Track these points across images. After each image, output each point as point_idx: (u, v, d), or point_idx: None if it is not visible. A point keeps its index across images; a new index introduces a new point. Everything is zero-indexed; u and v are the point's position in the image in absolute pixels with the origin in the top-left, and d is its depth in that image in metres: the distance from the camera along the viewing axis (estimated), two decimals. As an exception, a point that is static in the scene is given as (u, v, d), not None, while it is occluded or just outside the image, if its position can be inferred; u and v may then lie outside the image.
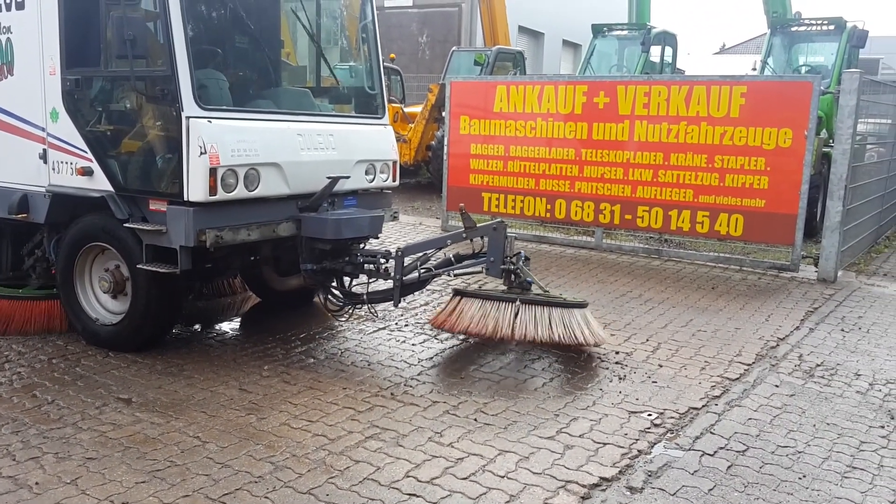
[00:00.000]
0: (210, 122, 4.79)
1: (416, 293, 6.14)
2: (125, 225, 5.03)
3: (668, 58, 15.51)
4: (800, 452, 4.04)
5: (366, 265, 5.52)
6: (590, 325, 5.21)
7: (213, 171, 4.74)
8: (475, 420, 4.31)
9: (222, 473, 3.65)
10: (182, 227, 4.81)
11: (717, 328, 6.20)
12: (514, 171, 9.84)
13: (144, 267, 4.98)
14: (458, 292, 5.45)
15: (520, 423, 4.29)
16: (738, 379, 5.08)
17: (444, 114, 11.01)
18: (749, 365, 5.36)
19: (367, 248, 5.87)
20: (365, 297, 5.67)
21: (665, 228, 8.96)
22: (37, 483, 3.53)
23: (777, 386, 4.97)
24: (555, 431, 4.19)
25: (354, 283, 5.88)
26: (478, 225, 5.49)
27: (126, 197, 5.12)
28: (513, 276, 5.32)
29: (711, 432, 4.22)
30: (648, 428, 4.26)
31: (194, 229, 4.78)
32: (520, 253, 5.39)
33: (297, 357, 5.34)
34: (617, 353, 5.53)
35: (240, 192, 4.94)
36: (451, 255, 5.55)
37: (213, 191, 4.77)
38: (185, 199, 4.79)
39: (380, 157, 6.14)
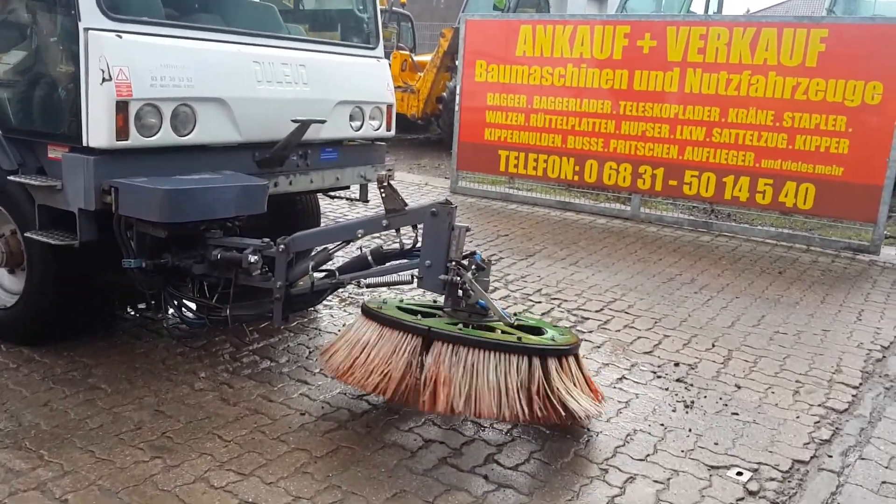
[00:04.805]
0: (119, 36, 3.38)
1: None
2: (9, 178, 3.67)
3: (713, 6, 13.83)
4: (972, 545, 2.68)
5: (230, 263, 3.62)
6: (564, 389, 3.07)
7: (121, 106, 3.34)
8: (485, 478, 2.95)
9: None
10: (81, 183, 3.43)
11: (799, 329, 4.80)
12: (538, 125, 8.36)
13: (33, 236, 3.63)
14: (364, 311, 3.36)
15: (551, 483, 2.93)
16: (847, 410, 3.70)
17: (457, 61, 9.52)
18: (856, 388, 3.97)
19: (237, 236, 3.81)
20: (227, 313, 3.69)
21: (718, 197, 7.50)
22: None
23: (903, 422, 3.59)
24: (605, 501, 2.83)
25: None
26: (409, 206, 3.45)
27: (17, 141, 3.75)
28: (459, 292, 3.29)
29: (835, 507, 2.86)
30: (741, 499, 2.89)
31: (96, 186, 3.41)
32: (473, 254, 3.36)
33: (248, 358, 4.00)
34: (676, 364, 4.14)
35: (165, 136, 3.55)
36: (367, 253, 3.58)
37: (122, 133, 3.38)
38: (85, 143, 3.41)
39: (370, 99, 4.70)
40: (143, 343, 4.14)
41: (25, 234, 3.71)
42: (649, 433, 3.35)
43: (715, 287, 5.62)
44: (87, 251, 3.68)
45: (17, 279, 4.09)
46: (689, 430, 3.39)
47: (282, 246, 3.51)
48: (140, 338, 4.22)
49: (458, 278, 3.23)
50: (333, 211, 7.36)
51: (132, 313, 4.43)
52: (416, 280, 3.41)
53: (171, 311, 3.84)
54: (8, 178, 3.67)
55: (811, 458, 3.21)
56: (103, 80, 3.28)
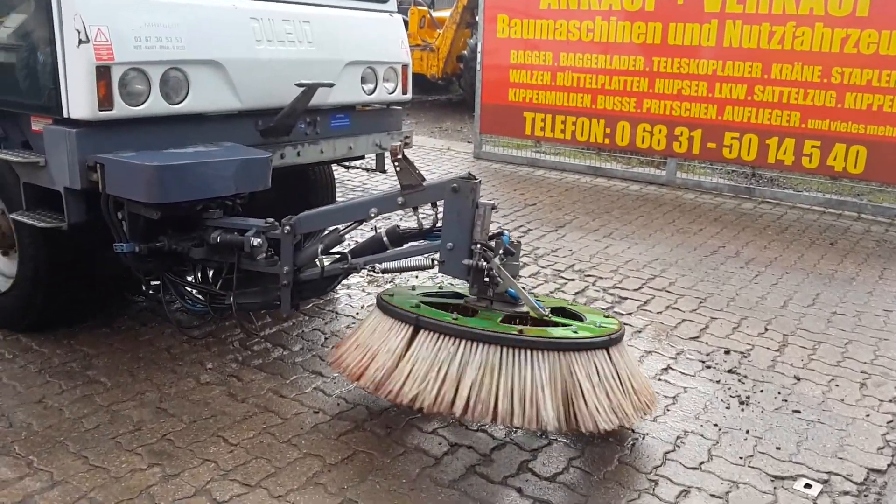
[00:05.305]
0: (99, -10, 3.00)
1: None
2: (-10, 153, 3.34)
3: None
4: None
5: (231, 246, 3.24)
6: (614, 383, 2.72)
7: (102, 72, 2.98)
8: (519, 491, 2.61)
9: None
10: (64, 159, 3.09)
11: (859, 310, 4.37)
12: (565, 84, 7.88)
13: (17, 217, 3.31)
14: (380, 303, 2.98)
15: (594, 498, 2.58)
16: (922, 405, 3.31)
17: (477, 17, 9.03)
18: (929, 378, 3.57)
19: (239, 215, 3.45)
20: (231, 301, 3.32)
21: (760, 161, 7.01)
22: None
23: None
24: (654, 521, 2.49)
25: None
26: (427, 181, 3.04)
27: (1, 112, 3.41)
28: (486, 279, 2.92)
29: (922, 527, 2.50)
30: (814, 517, 2.54)
31: (80, 162, 3.06)
32: (501, 234, 2.97)
33: (259, 347, 3.68)
34: (727, 352, 3.76)
35: (154, 105, 3.19)
36: (382, 233, 3.21)
37: (105, 102, 3.02)
38: (65, 114, 3.06)
39: (383, 59, 4.29)
40: (148, 329, 3.84)
41: (10, 216, 3.39)
42: (702, 435, 2.99)
43: (762, 261, 5.20)
44: (80, 232, 3.36)
45: (11, 262, 3.79)
46: (747, 432, 3.02)
47: (287, 227, 3.15)
48: (146, 323, 3.92)
49: (484, 263, 2.86)
50: (351, 179, 6.99)
51: (148, 292, 4.04)
52: (436, 265, 3.05)
53: (172, 297, 3.50)
54: (-11, 152, 3.35)
55: (888, 466, 2.83)
56: (80, 41, 2.91)
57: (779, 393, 3.36)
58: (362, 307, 4.18)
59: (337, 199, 5.18)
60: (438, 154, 8.75)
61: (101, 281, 3.85)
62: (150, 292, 3.57)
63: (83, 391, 3.21)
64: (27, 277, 3.59)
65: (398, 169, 3.05)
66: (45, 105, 3.13)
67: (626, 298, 4.42)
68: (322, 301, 4.25)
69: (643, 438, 2.95)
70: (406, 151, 3.14)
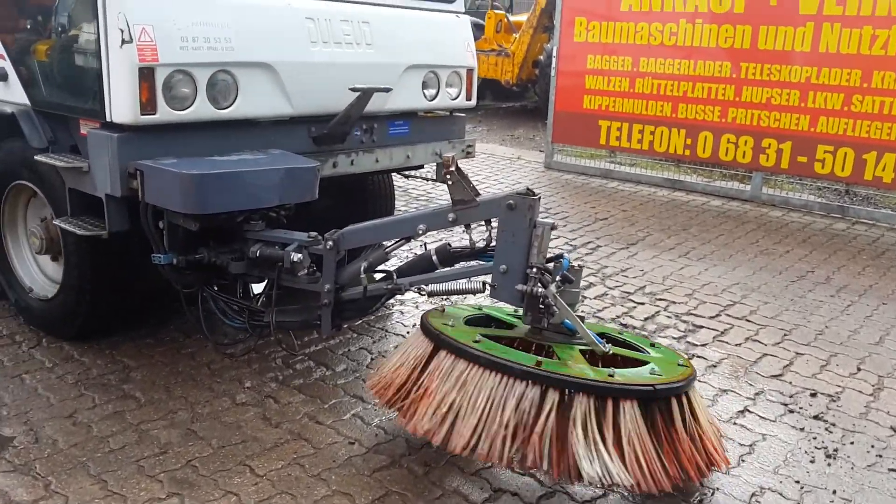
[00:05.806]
0: (143, -12, 2.87)
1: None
2: (36, 157, 3.27)
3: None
4: None
5: (271, 261, 3.05)
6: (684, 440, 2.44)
7: (145, 73, 2.85)
8: (565, 551, 2.33)
9: None
10: (105, 165, 2.98)
11: (969, 349, 3.88)
12: (644, 91, 7.49)
13: (60, 224, 3.23)
14: (426, 329, 2.72)
15: (650, 562, 2.28)
16: None
17: (555, 21, 8.71)
18: None
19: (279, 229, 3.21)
20: (271, 318, 3.12)
21: (856, 177, 6.45)
22: None
23: None
24: None
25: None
26: (481, 196, 2.81)
27: (50, 115, 3.35)
28: (541, 307, 2.64)
29: None
30: None
31: (121, 168, 2.94)
32: (560, 258, 2.69)
33: (301, 365, 3.50)
34: (813, 394, 3.35)
35: (200, 109, 3.05)
36: (432, 252, 2.97)
37: (148, 106, 2.89)
38: (108, 118, 2.95)
39: (446, 63, 4.07)
40: (191, 342, 3.72)
41: (53, 221, 3.33)
42: (781, 494, 2.63)
43: (855, 289, 4.71)
44: (123, 241, 3.26)
45: (59, 268, 3.75)
46: (834, 492, 2.65)
47: (329, 242, 2.95)
48: (190, 335, 3.80)
49: (540, 289, 2.58)
50: (416, 188, 6.80)
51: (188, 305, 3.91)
52: (488, 288, 2.79)
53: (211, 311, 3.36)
54: (35, 157, 3.28)
55: None
56: (123, 41, 2.79)
57: (872, 446, 2.95)
58: (413, 325, 3.96)
59: (397, 209, 4.99)
60: (508, 163, 8.47)
61: (147, 291, 3.76)
62: (194, 304, 3.44)
63: (115, 407, 3.09)
64: (72, 285, 3.52)
65: (450, 183, 2.81)
66: (91, 108, 3.04)
67: (700, 327, 4.05)
68: (372, 318, 4.05)
69: (712, 494, 2.62)
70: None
